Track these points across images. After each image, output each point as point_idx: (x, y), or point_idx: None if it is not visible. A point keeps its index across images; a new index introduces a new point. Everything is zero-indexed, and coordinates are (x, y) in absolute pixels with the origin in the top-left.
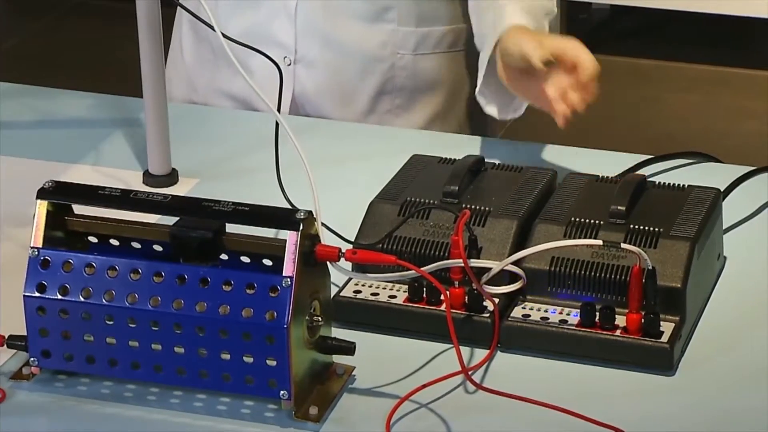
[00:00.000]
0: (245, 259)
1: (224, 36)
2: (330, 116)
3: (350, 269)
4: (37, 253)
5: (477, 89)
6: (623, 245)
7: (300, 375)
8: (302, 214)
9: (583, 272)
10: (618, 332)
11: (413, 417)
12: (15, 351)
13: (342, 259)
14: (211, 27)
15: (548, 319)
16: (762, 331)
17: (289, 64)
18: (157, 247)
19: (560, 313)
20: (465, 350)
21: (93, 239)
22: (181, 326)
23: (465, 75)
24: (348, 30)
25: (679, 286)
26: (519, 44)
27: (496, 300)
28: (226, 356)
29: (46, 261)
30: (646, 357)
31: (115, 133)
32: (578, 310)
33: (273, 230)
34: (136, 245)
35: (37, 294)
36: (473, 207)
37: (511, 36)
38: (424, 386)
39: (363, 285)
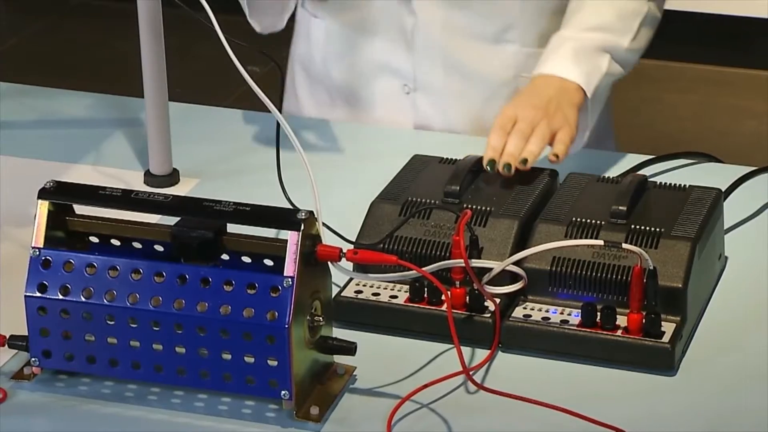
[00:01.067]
0: (246, 259)
1: (227, 38)
2: None
3: (351, 269)
4: (38, 253)
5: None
6: (624, 245)
7: (301, 375)
8: (303, 214)
9: (584, 272)
10: (619, 332)
11: (414, 417)
12: (16, 351)
13: (343, 259)
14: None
15: (549, 319)
16: (763, 331)
17: (408, 93)
18: (158, 247)
19: (561, 313)
20: (466, 350)
21: (94, 239)
22: (182, 326)
23: None
24: (469, 53)
25: (680, 286)
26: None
27: (497, 300)
28: (227, 356)
29: (47, 261)
30: (647, 357)
31: (115, 133)
32: (579, 310)
33: (274, 230)
34: (137, 245)
35: (38, 294)
36: (474, 207)
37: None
38: (425, 386)
39: (364, 285)
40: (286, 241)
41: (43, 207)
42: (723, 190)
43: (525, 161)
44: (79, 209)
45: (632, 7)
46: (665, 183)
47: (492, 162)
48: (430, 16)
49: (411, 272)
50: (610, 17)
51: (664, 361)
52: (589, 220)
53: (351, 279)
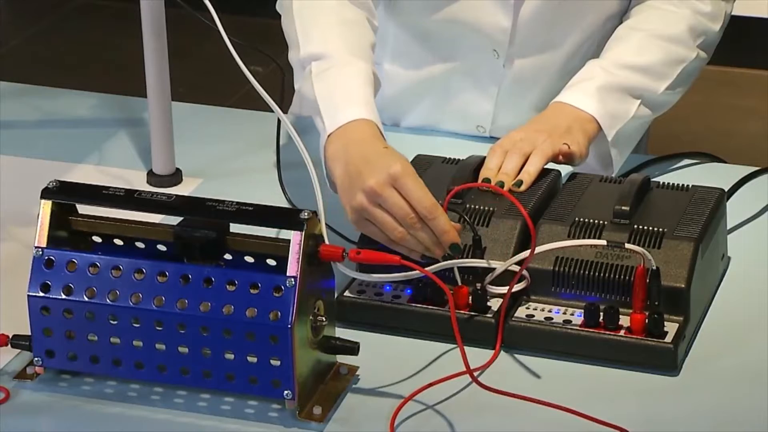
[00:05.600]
0: (249, 259)
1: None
2: None
3: (354, 269)
4: (41, 252)
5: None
6: (627, 245)
7: (304, 375)
8: (306, 214)
9: (587, 272)
10: (622, 332)
11: (417, 417)
12: (19, 351)
13: (346, 259)
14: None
15: (552, 319)
16: (765, 331)
17: (482, 133)
18: (161, 247)
19: (564, 313)
20: (469, 350)
21: (97, 239)
22: (185, 326)
23: None
24: (554, 92)
25: (683, 286)
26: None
27: (501, 300)
28: (230, 356)
29: (50, 261)
30: (650, 357)
31: (118, 132)
32: (582, 311)
33: (277, 230)
34: (140, 245)
35: (41, 294)
36: (477, 207)
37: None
38: (428, 386)
39: (367, 285)
40: (289, 241)
41: (46, 207)
42: (726, 190)
43: (519, 183)
44: (82, 209)
45: (679, 52)
46: (668, 183)
47: (487, 180)
48: (521, 66)
49: (414, 272)
50: (654, 60)
51: (667, 361)
52: (592, 220)
53: (354, 279)
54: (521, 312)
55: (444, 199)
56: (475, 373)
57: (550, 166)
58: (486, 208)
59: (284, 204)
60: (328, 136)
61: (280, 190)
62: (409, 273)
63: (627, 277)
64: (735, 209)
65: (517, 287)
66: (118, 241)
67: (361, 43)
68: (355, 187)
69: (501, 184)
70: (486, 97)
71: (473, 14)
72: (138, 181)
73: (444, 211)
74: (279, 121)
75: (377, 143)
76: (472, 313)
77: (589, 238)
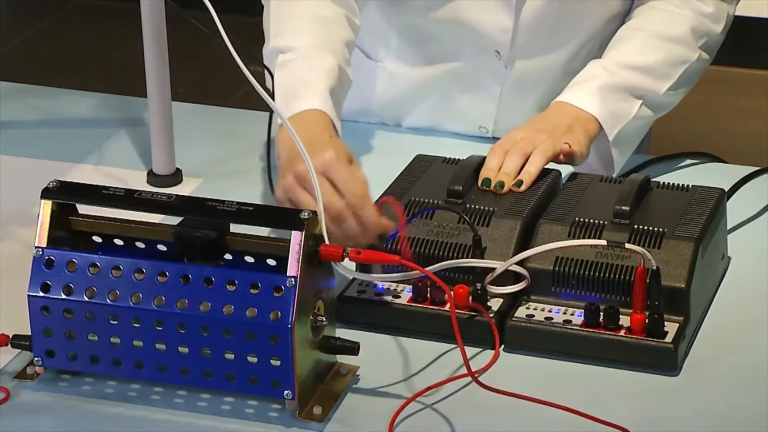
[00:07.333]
0: (249, 259)
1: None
2: None
3: (354, 269)
4: (41, 252)
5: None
6: (627, 245)
7: (304, 375)
8: (306, 214)
9: (587, 272)
10: (622, 332)
11: (416, 416)
12: (19, 350)
13: (346, 259)
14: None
15: (552, 319)
16: (766, 330)
17: (484, 134)
18: (161, 247)
19: (564, 313)
20: (468, 350)
21: (97, 239)
22: (185, 326)
23: None
24: (558, 90)
25: (683, 286)
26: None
27: (501, 300)
28: (230, 356)
29: (50, 261)
30: (651, 357)
31: (118, 132)
32: (582, 311)
33: (277, 230)
34: (141, 245)
35: (41, 294)
36: (477, 207)
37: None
38: (429, 388)
39: (367, 285)
40: (290, 241)
41: (46, 207)
42: (726, 190)
43: (519, 184)
44: (82, 209)
45: (681, 52)
46: (668, 183)
47: (487, 180)
48: (523, 67)
49: (414, 272)
50: (656, 60)
51: (667, 361)
52: (592, 220)
53: (354, 279)
54: (521, 312)
55: (444, 199)
56: (477, 375)
57: (551, 165)
58: (486, 208)
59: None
60: (281, 124)
61: None
62: (409, 273)
63: (627, 277)
64: (735, 209)
65: (517, 287)
66: (118, 241)
67: (331, 38)
68: (289, 169)
69: (501, 184)
70: (488, 98)
71: (475, 15)
72: (138, 181)
73: (372, 201)
74: (270, 119)
75: (322, 132)
76: (472, 313)
77: (589, 238)
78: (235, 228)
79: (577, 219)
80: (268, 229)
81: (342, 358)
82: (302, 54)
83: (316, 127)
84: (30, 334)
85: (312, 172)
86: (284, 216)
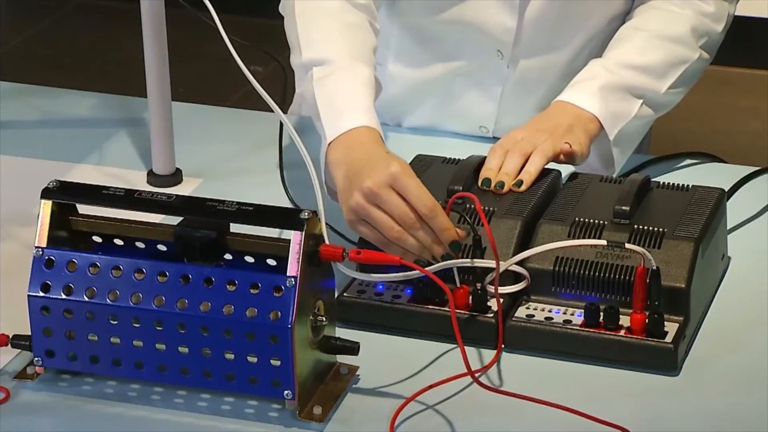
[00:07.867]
0: (249, 259)
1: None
2: None
3: (354, 269)
4: (41, 252)
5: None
6: (627, 245)
7: (304, 375)
8: (306, 214)
9: (587, 272)
10: (622, 332)
11: (417, 417)
12: (19, 350)
13: (346, 259)
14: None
15: (552, 319)
16: (765, 330)
17: (485, 133)
18: (161, 247)
19: (564, 313)
20: (469, 350)
21: (97, 239)
22: (185, 326)
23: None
24: (558, 90)
25: (683, 286)
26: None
27: (500, 300)
28: (230, 356)
29: (50, 261)
30: (651, 357)
31: (119, 132)
32: (582, 311)
33: (277, 230)
34: (141, 245)
35: (41, 294)
36: None
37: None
38: (429, 387)
39: (367, 285)
40: (290, 241)
41: (46, 207)
42: (726, 190)
43: (520, 183)
44: (83, 209)
45: (681, 52)
46: (668, 183)
47: (487, 180)
48: (525, 66)
49: (414, 272)
50: (656, 60)
51: (667, 361)
52: (592, 220)
53: (354, 279)
54: (521, 312)
55: (444, 199)
56: (477, 375)
57: (551, 165)
58: (486, 208)
59: (284, 204)
60: (330, 143)
61: (281, 189)
62: (409, 273)
63: (627, 277)
64: (735, 209)
65: (517, 287)
66: (118, 241)
67: (362, 46)
68: (354, 187)
69: (501, 185)
70: (489, 97)
71: (478, 15)
72: (138, 181)
73: (443, 211)
74: (281, 122)
75: (378, 148)
76: (473, 313)
77: (589, 238)
78: (235, 228)
79: (577, 219)
80: (269, 228)
81: (342, 358)
82: (338, 66)
83: (372, 143)
84: (30, 334)
85: (312, 173)
86: (284, 216)
